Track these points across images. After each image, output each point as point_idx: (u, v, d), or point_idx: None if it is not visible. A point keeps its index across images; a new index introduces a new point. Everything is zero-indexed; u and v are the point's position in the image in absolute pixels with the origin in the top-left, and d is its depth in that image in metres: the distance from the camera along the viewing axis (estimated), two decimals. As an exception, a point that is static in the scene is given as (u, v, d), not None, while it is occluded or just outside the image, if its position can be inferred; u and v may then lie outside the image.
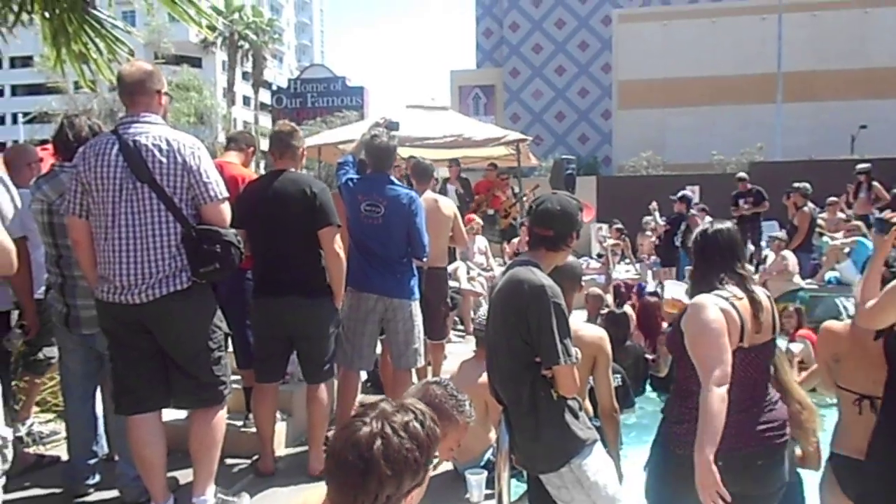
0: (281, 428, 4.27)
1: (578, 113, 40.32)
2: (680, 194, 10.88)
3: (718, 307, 2.48)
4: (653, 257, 11.96)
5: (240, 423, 4.27)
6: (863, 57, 30.26)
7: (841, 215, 11.06)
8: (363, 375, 4.96)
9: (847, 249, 9.58)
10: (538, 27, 41.11)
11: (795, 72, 28.17)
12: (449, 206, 5.33)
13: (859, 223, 10.07)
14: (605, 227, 13.35)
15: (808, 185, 10.50)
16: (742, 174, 12.55)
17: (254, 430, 4.05)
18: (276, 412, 4.07)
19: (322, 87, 41.37)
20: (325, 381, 3.94)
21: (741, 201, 11.77)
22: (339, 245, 3.80)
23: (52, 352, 4.01)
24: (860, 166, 11.72)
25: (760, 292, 2.61)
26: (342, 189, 4.30)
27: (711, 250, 2.68)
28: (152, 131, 3.05)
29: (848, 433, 2.80)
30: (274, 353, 3.95)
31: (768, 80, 26.91)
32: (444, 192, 10.44)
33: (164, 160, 3.00)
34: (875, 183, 11.20)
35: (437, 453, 1.73)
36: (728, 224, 2.78)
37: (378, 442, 1.48)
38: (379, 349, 4.81)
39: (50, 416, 4.76)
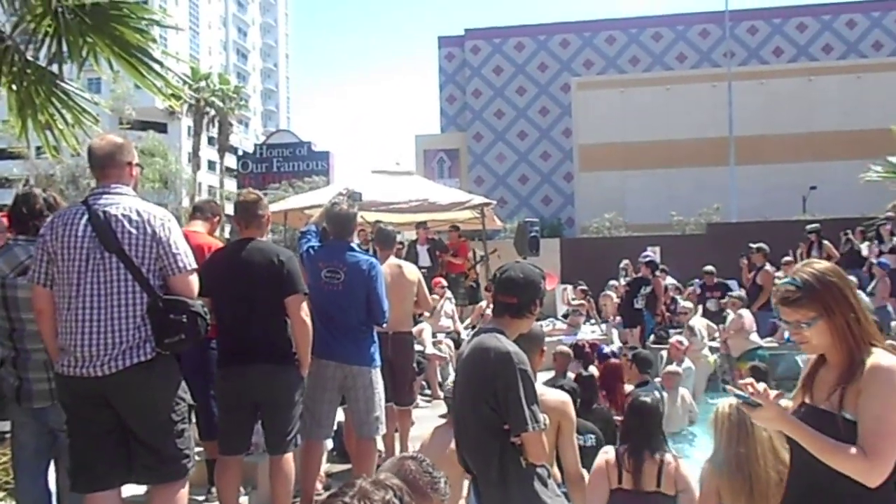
0: (244, 501, 4.16)
1: (541, 175, 41.15)
2: (647, 259, 11.04)
3: (605, 456, 3.66)
4: (617, 318, 12.08)
5: (202, 497, 4.15)
6: (809, 122, 31.69)
7: (796, 274, 11.35)
8: (329, 444, 4.88)
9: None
10: (500, 94, 42.25)
11: (746, 136, 29.33)
12: (412, 271, 5.38)
13: (814, 282, 10.33)
14: (569, 287, 13.50)
15: (766, 246, 10.81)
16: (710, 268, 11.87)
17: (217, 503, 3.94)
18: (239, 485, 3.97)
19: (288, 152, 41.63)
20: (289, 451, 3.87)
21: (707, 294, 11.77)
22: (305, 312, 3.80)
23: (6, 426, 3.88)
24: (810, 226, 12.14)
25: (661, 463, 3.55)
26: (304, 257, 4.34)
27: (633, 417, 3.74)
28: (122, 202, 3.06)
29: None
30: (239, 424, 3.87)
31: (721, 144, 27.94)
32: (414, 254, 10.53)
33: (133, 231, 3.01)
34: (825, 242, 11.59)
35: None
36: (654, 398, 3.91)
37: None
38: (342, 417, 4.75)
39: (0, 493, 4.56)
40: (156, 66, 4.66)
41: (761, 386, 2.06)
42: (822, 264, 2.20)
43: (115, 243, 2.99)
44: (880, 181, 14.53)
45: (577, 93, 35.73)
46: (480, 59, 42.86)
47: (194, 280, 3.16)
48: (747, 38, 40.08)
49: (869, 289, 9.99)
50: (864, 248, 11.85)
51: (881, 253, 11.30)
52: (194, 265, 3.17)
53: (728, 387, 2.22)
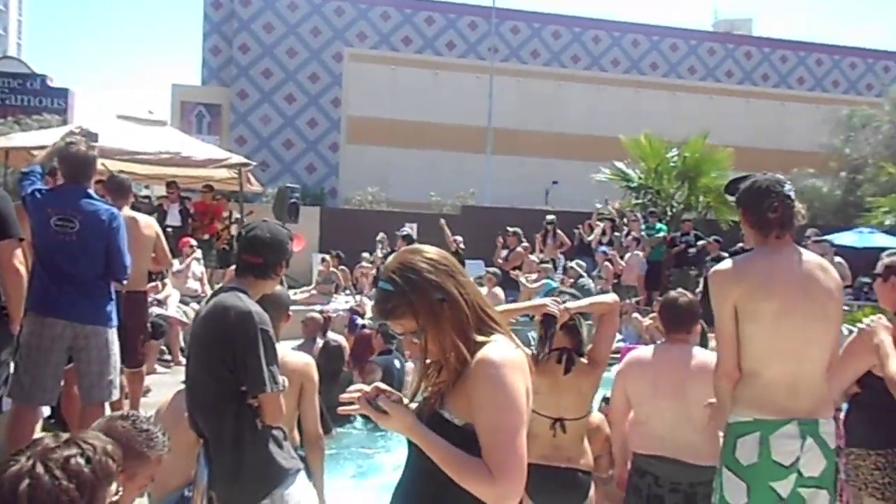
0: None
1: (307, 143, 40.42)
2: (404, 233, 11.57)
3: None
4: (372, 290, 12.37)
5: None
6: (556, 122, 35.04)
7: (533, 258, 12.60)
8: (46, 411, 4.40)
9: (537, 287, 10.92)
10: (269, 52, 40.59)
11: (503, 128, 31.58)
12: (150, 223, 5.04)
13: (549, 266, 11.61)
14: (327, 257, 13.53)
15: (520, 230, 12.36)
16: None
17: None
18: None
19: (16, 83, 36.07)
20: (-10, 417, 3.41)
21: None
22: (19, 261, 3.36)
23: None
24: (548, 217, 13.66)
25: None
26: (27, 201, 3.82)
27: None
28: None
29: None
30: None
31: (480, 133, 29.80)
32: (163, 212, 9.99)
33: None
34: (559, 231, 13.16)
35: (119, 490, 1.60)
36: None
37: (24, 483, 1.34)
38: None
39: None
40: None
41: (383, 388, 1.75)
42: (415, 254, 1.77)
43: None
44: (607, 182, 17.12)
45: (349, 63, 35.71)
46: (251, 13, 40.76)
47: None
48: (510, 36, 42.94)
49: (594, 272, 11.64)
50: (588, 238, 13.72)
51: (601, 243, 13.14)
52: None
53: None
